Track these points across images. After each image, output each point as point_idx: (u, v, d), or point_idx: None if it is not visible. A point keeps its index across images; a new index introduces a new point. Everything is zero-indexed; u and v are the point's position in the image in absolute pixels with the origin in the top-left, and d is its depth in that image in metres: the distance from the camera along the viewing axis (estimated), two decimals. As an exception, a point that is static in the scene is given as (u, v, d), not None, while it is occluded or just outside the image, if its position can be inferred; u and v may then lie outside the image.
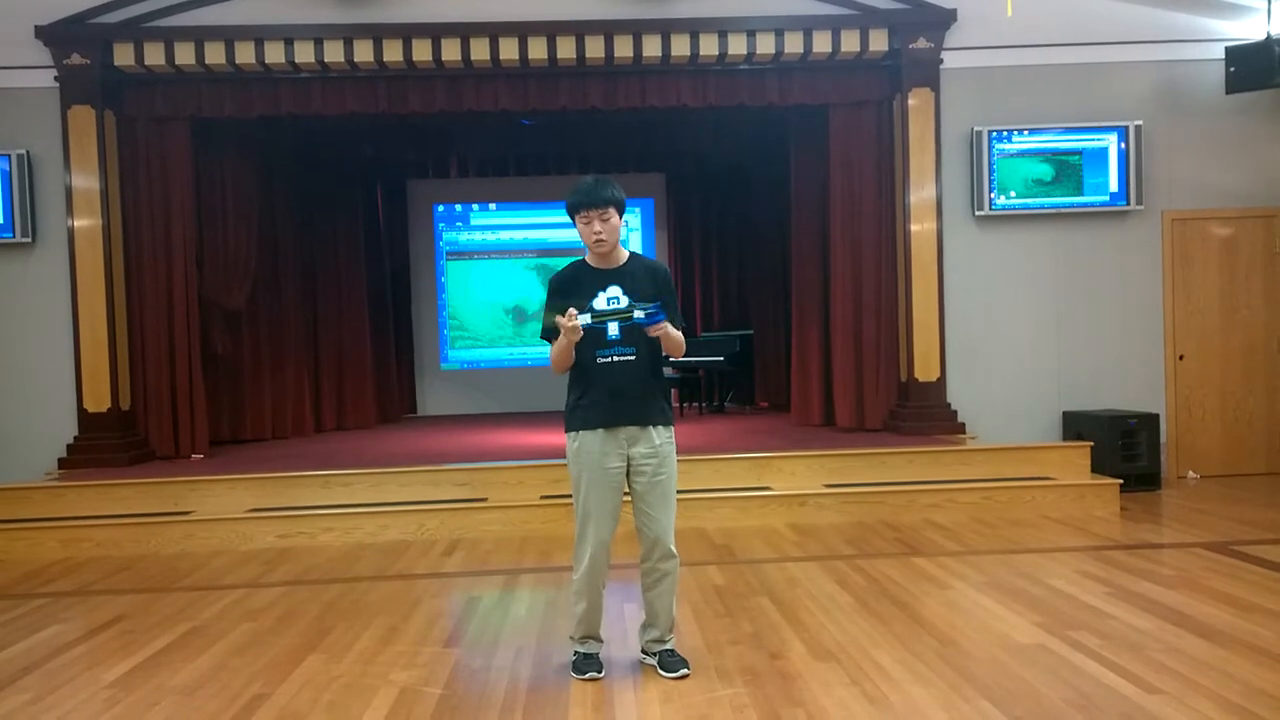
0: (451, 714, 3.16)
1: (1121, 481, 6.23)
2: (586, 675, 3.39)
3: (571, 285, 3.36)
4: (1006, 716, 2.97)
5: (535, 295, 10.73)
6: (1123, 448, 6.67)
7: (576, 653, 3.48)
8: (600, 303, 3.31)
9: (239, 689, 3.44)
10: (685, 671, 3.40)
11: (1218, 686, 3.15)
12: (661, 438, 3.39)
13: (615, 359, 3.31)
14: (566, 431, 3.42)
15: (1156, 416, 6.85)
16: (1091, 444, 6.48)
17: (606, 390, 3.31)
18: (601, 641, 3.53)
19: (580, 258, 3.45)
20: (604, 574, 3.41)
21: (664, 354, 3.40)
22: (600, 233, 3.30)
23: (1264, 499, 6.37)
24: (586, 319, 3.25)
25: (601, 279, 3.34)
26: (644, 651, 3.55)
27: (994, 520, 5.90)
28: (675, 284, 3.54)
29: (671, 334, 3.31)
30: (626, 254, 3.42)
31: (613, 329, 3.28)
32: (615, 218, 3.33)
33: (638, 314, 3.22)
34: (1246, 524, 5.62)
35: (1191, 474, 7.21)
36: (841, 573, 4.76)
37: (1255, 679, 3.21)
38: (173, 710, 3.26)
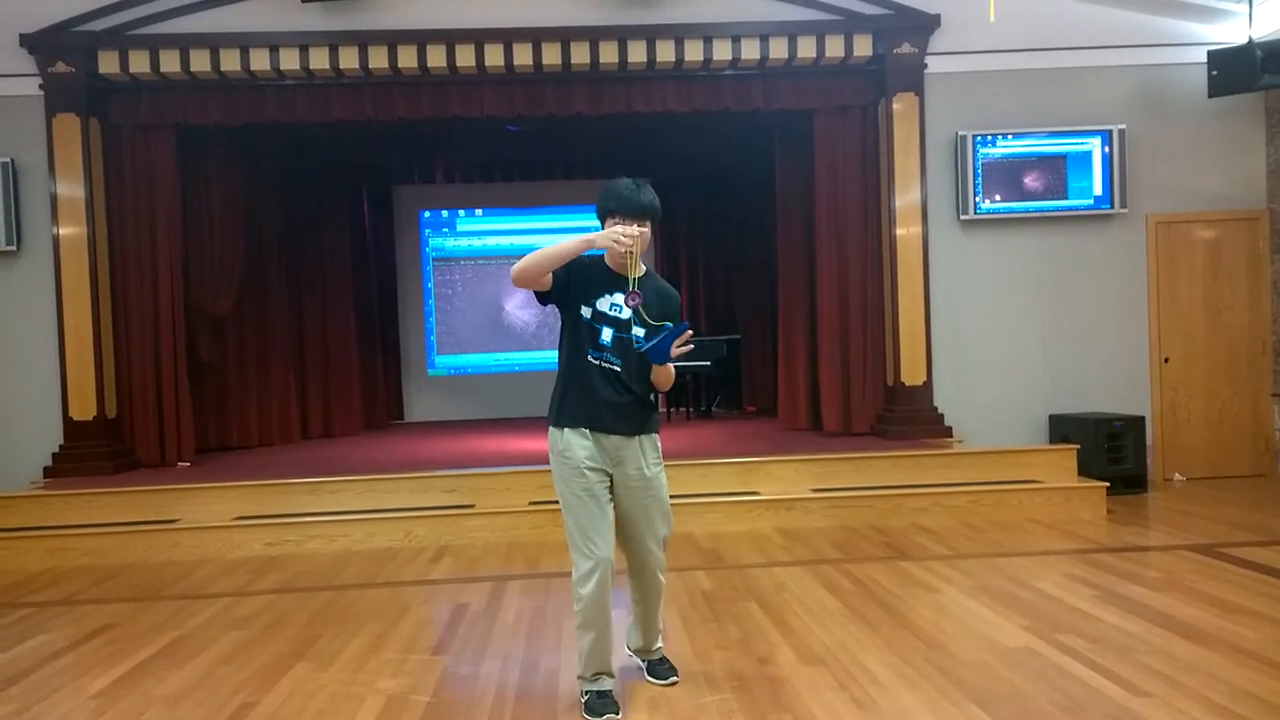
0: (439, 722, 3.16)
1: (1108, 484, 6.25)
2: (603, 717, 3.07)
3: (590, 269, 3.18)
4: None
5: (526, 300, 10.73)
6: (1109, 450, 6.71)
7: (588, 692, 3.15)
8: (603, 305, 3.17)
9: (226, 697, 3.42)
10: (675, 679, 3.39)
11: (1204, 688, 3.17)
12: (650, 459, 3.24)
13: (603, 364, 3.17)
14: (551, 426, 3.23)
15: (1142, 419, 6.89)
16: (1078, 447, 6.51)
17: (593, 391, 3.14)
18: (614, 677, 3.21)
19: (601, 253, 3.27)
20: (610, 595, 3.12)
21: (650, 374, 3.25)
22: (630, 245, 3.08)
23: (1249, 501, 6.41)
24: (587, 313, 3.14)
25: (614, 283, 3.18)
26: (629, 650, 3.53)
27: (981, 524, 5.92)
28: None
29: (669, 368, 3.19)
30: (644, 268, 3.25)
31: (606, 335, 3.15)
32: (649, 228, 3.15)
33: (661, 331, 3.07)
34: (1232, 526, 5.66)
35: (1177, 476, 7.25)
36: (829, 577, 4.77)
37: (1242, 680, 3.23)
38: (159, 719, 3.25)
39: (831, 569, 4.93)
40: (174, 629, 4.31)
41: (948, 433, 7.02)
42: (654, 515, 3.27)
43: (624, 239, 3.05)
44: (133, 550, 5.76)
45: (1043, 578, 4.61)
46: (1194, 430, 7.28)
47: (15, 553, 5.75)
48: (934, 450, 6.51)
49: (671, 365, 3.20)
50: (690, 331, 3.09)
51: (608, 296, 3.19)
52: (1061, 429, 7.00)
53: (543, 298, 3.21)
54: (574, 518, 3.15)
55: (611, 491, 3.22)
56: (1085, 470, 6.46)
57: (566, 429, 3.19)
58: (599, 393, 3.16)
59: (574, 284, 3.17)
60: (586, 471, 3.14)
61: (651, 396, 3.33)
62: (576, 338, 3.21)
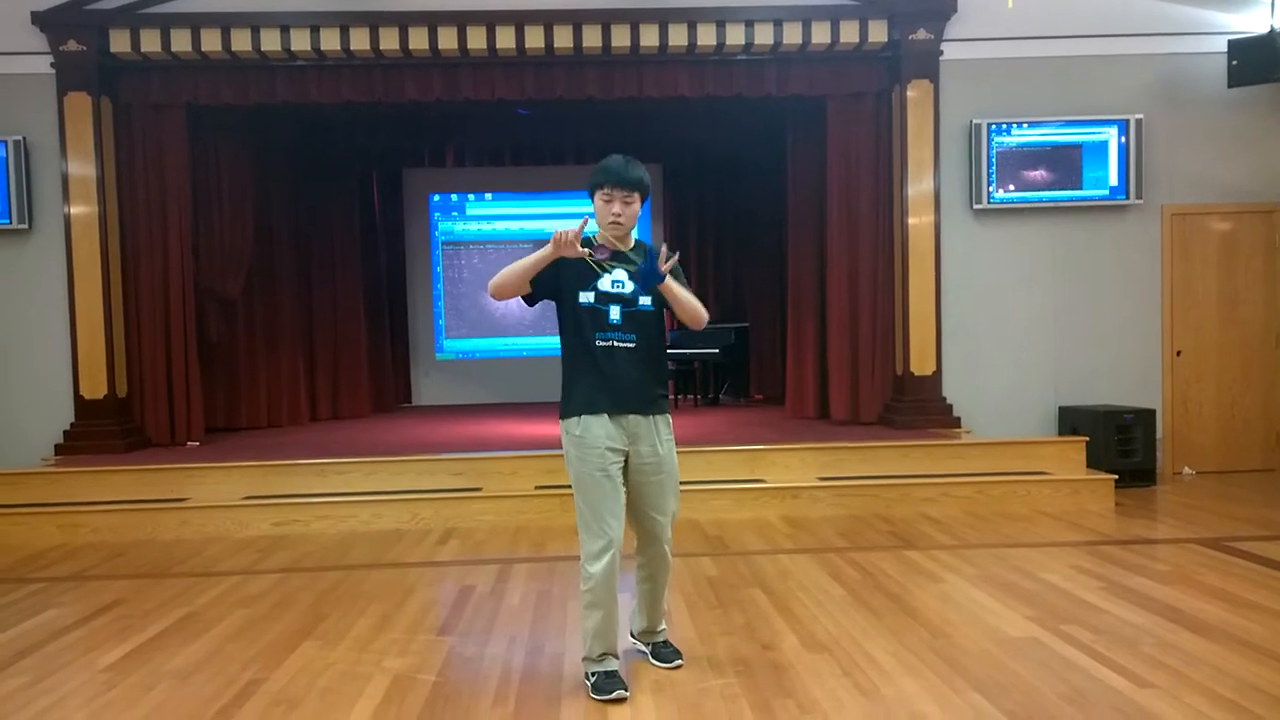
0: (444, 702, 3.17)
1: (1116, 477, 6.23)
2: (613, 694, 3.08)
3: (579, 258, 3.15)
4: (997, 709, 2.98)
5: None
6: (1118, 443, 6.68)
7: (595, 673, 3.16)
8: (604, 284, 3.19)
9: (234, 674, 3.44)
10: (679, 662, 3.40)
11: (1210, 681, 3.16)
12: (664, 436, 3.27)
13: (615, 344, 3.18)
14: (565, 418, 3.21)
15: (1153, 412, 6.85)
16: (1087, 439, 6.49)
17: (607, 374, 3.15)
18: (619, 658, 3.22)
19: (590, 233, 3.27)
20: (619, 576, 3.17)
21: (671, 330, 3.31)
22: (619, 215, 3.17)
23: (1259, 495, 6.39)
24: (589, 298, 3.17)
25: (611, 260, 3.21)
26: (632, 635, 3.54)
27: (988, 514, 5.91)
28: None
29: (679, 290, 3.20)
30: (634, 241, 3.31)
31: (614, 313, 3.17)
32: (637, 203, 3.19)
33: (642, 266, 3.14)
34: (1241, 520, 5.64)
35: (1187, 470, 7.22)
36: (834, 565, 4.77)
37: (1248, 674, 3.22)
38: (168, 694, 3.27)
39: (837, 557, 4.93)
40: (183, 606, 4.34)
41: (956, 423, 7.00)
42: (667, 491, 3.29)
43: (564, 233, 3.05)
44: (142, 528, 5.80)
45: (1049, 569, 4.61)
46: (1204, 424, 7.25)
47: (26, 528, 5.79)
48: (942, 440, 6.50)
49: (693, 298, 3.26)
50: (664, 248, 3.15)
51: (607, 275, 3.20)
52: (1071, 421, 6.97)
53: (529, 299, 3.27)
54: (588, 497, 3.15)
55: (624, 471, 3.23)
56: (1094, 463, 6.45)
57: (585, 415, 3.17)
58: (613, 374, 3.17)
59: (565, 274, 3.17)
60: (606, 451, 3.15)
61: (665, 379, 3.33)
62: (580, 325, 3.21)
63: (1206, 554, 4.86)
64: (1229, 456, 7.24)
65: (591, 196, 3.24)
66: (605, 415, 3.17)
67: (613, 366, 3.18)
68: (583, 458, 3.16)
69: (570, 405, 3.23)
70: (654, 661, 3.41)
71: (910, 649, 3.53)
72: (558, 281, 3.20)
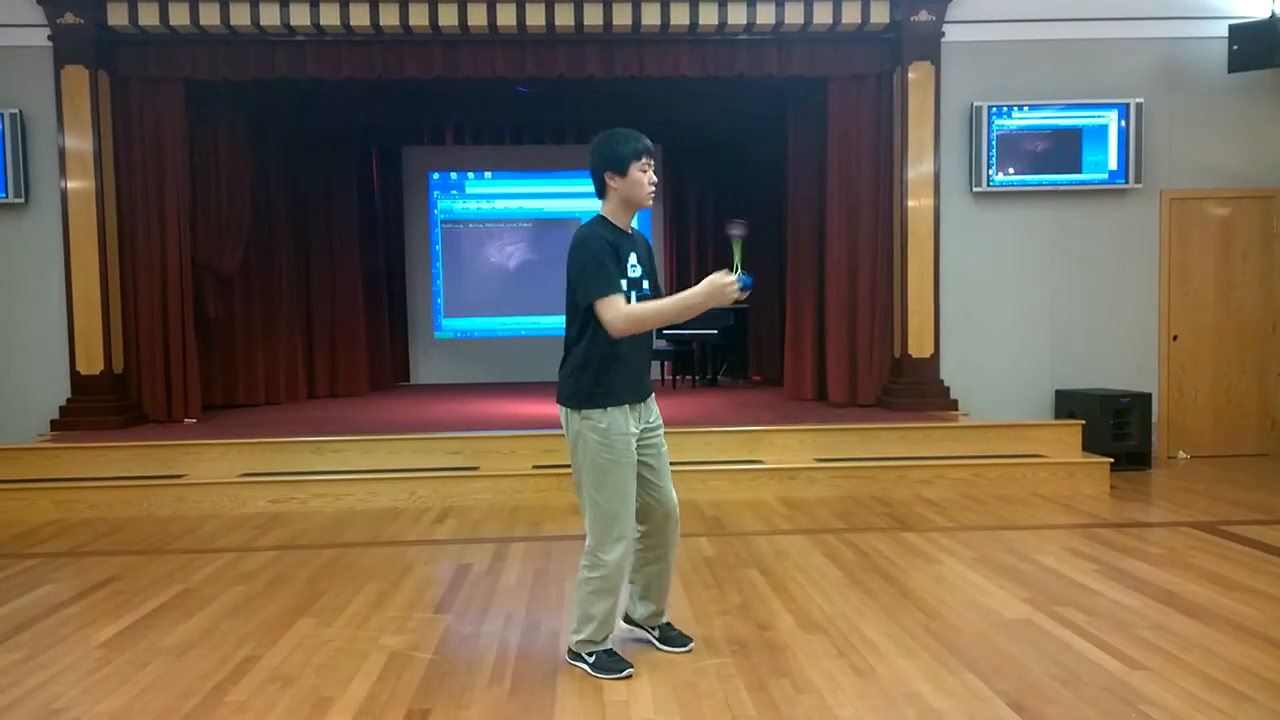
0: (441, 679, 3.18)
1: (1112, 460, 6.25)
2: (625, 672, 3.13)
3: (614, 244, 3.07)
4: (992, 689, 3.00)
5: (534, 265, 10.72)
6: (1114, 427, 6.70)
7: (594, 653, 3.19)
8: (629, 272, 3.13)
9: (230, 650, 3.46)
10: (691, 645, 3.37)
11: (1202, 664, 3.18)
12: (656, 410, 3.32)
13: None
14: (589, 408, 3.09)
15: (1149, 396, 6.87)
16: (1083, 422, 6.50)
17: (633, 362, 3.14)
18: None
19: (591, 218, 3.19)
20: None
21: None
22: (655, 181, 3.16)
23: (1253, 480, 6.41)
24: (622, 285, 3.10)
25: (626, 244, 3.14)
26: (629, 622, 3.46)
27: (984, 496, 5.93)
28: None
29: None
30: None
31: (633, 300, 3.09)
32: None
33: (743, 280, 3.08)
34: (1235, 504, 5.66)
35: (1182, 454, 7.25)
36: (831, 546, 4.79)
37: (1239, 657, 3.24)
38: (164, 671, 3.28)
39: (833, 538, 4.95)
40: (179, 582, 4.35)
41: (953, 406, 7.02)
42: (667, 461, 3.32)
43: (730, 289, 2.98)
44: (139, 504, 5.81)
45: (1044, 551, 4.63)
46: (1200, 408, 7.26)
47: (22, 504, 5.80)
48: (939, 423, 6.51)
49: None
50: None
51: (626, 261, 3.14)
52: (1067, 404, 6.99)
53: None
54: (616, 485, 3.11)
55: None
56: (1090, 446, 6.46)
57: (611, 406, 3.12)
58: (638, 363, 3.19)
59: (614, 264, 3.07)
60: (628, 431, 3.15)
61: None
62: None
63: (1200, 537, 4.88)
64: (1224, 441, 7.26)
65: (622, 170, 3.08)
66: (628, 404, 3.16)
67: (636, 353, 3.17)
68: (612, 446, 3.10)
69: (593, 396, 3.10)
70: (663, 646, 3.37)
71: (905, 630, 3.55)
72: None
